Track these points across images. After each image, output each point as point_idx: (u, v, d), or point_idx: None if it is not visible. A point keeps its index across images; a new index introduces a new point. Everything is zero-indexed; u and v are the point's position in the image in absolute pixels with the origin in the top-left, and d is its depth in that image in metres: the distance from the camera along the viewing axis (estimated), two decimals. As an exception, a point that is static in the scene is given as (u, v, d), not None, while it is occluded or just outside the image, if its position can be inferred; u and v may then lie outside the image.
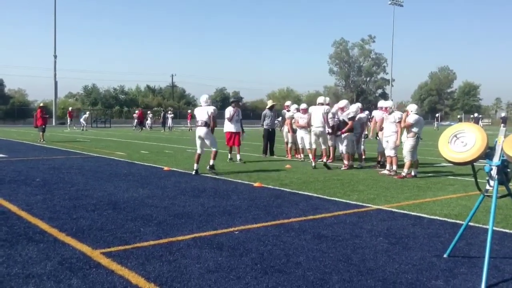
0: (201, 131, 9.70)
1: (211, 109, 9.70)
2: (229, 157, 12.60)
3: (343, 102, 11.53)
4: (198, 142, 9.80)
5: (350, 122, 10.95)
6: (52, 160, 12.41)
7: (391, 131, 9.93)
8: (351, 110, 11.17)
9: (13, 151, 15.43)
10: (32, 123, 25.90)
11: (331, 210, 6.23)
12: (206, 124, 9.64)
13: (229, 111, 12.52)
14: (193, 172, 9.66)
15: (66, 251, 4.24)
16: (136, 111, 41.15)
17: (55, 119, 51.38)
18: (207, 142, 9.75)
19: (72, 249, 4.28)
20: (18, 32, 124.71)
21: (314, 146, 11.39)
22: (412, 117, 9.50)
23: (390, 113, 10.08)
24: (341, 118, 11.26)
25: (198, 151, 9.80)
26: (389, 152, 10.06)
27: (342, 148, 11.14)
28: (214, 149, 9.79)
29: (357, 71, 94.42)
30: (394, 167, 9.96)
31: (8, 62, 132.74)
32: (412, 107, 9.75)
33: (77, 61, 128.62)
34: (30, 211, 5.87)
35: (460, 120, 54.31)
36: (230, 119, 12.43)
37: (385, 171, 10.15)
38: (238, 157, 12.34)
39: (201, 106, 9.92)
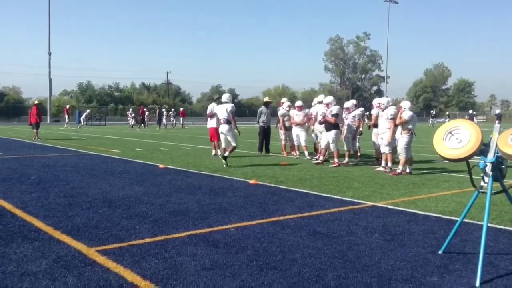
0: (223, 128, 10.59)
1: (230, 106, 10.58)
2: (213, 152, 12.84)
3: (328, 99, 11.46)
4: (221, 137, 10.79)
5: (332, 119, 10.90)
6: (47, 158, 12.36)
7: (386, 127, 9.93)
8: (336, 107, 11.08)
9: (8, 148, 15.36)
10: (26, 120, 25.79)
11: (327, 207, 6.25)
12: (227, 121, 10.47)
13: (210, 107, 12.57)
14: (220, 156, 10.81)
15: (61, 249, 4.22)
16: (130, 109, 40.92)
17: (50, 117, 51.14)
18: (229, 137, 10.53)
19: (67, 247, 4.27)
20: (12, 30, 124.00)
21: (318, 141, 11.91)
22: (406, 114, 9.52)
23: (383, 110, 10.10)
24: (325, 115, 11.22)
25: (223, 145, 10.78)
26: (383, 149, 10.07)
27: (331, 146, 11.11)
28: (234, 145, 10.55)
29: (352, 68, 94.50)
30: (389, 164, 9.97)
31: (3, 60, 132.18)
32: (406, 104, 9.77)
33: (72, 59, 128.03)
34: (25, 209, 5.85)
35: (434, 116, 53.88)
36: (213, 116, 12.41)
37: (380, 168, 10.17)
38: (218, 152, 12.47)
39: (220, 103, 10.83)
